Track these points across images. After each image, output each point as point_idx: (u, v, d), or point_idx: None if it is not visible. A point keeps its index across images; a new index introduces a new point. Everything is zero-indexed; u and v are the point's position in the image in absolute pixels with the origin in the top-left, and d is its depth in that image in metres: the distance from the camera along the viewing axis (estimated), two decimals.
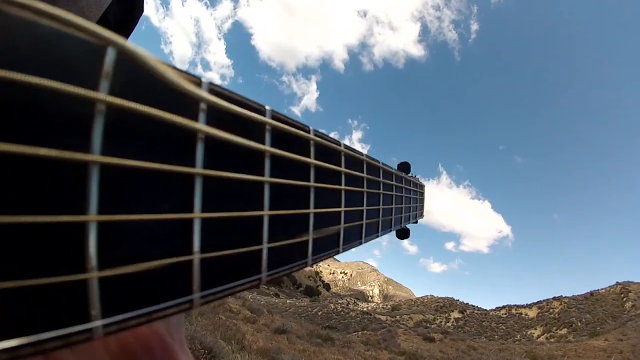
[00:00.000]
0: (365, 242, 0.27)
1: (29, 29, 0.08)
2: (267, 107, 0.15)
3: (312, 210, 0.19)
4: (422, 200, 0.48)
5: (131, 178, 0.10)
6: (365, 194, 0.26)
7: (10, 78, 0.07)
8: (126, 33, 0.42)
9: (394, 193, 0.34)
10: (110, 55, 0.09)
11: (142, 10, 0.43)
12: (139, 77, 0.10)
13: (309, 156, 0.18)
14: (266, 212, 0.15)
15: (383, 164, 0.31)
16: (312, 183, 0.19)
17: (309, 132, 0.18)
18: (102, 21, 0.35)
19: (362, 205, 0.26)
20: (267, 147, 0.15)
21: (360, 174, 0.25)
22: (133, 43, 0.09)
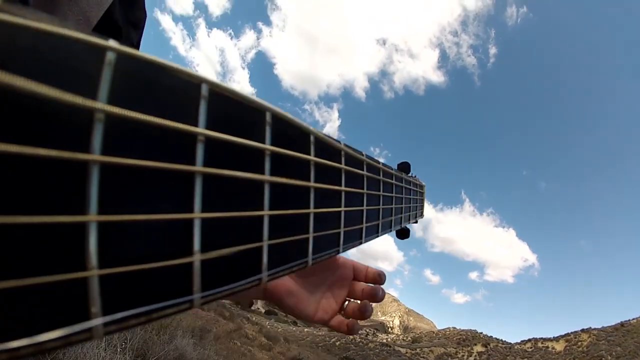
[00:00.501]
0: (365, 242, 0.27)
1: (28, 34, 0.08)
2: (268, 106, 0.15)
3: (312, 210, 0.19)
4: (422, 200, 0.48)
5: (131, 177, 0.10)
6: (365, 194, 0.26)
7: (10, 83, 0.07)
8: (135, 34, 0.43)
9: (394, 193, 0.34)
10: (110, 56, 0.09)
11: (145, 13, 0.44)
12: (139, 75, 0.10)
13: (309, 154, 0.18)
14: (266, 212, 0.15)
15: (383, 164, 0.31)
16: (312, 183, 0.19)
17: (309, 130, 0.18)
18: (109, 22, 0.36)
19: (363, 205, 0.26)
20: (267, 146, 0.15)
21: (361, 173, 0.25)
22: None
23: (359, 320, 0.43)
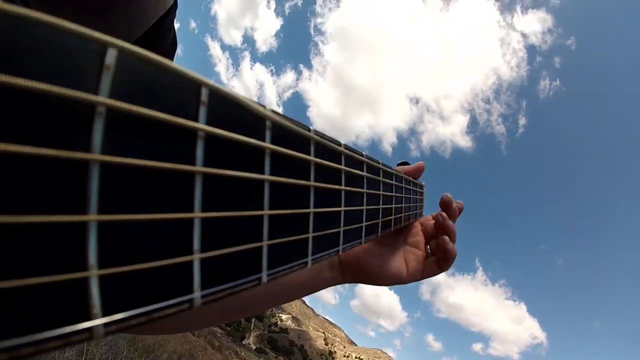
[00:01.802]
0: (365, 241, 0.27)
1: (28, 31, 0.08)
2: (268, 107, 0.15)
3: (312, 210, 0.19)
4: (421, 200, 0.48)
5: (131, 177, 0.10)
6: (365, 194, 0.26)
7: (11, 82, 0.07)
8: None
9: (394, 193, 0.34)
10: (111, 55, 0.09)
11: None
12: (139, 73, 0.10)
13: (309, 154, 0.18)
14: (266, 212, 0.15)
15: (383, 163, 0.31)
16: (312, 182, 0.19)
17: (309, 130, 0.18)
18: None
19: (363, 205, 0.26)
20: (267, 145, 0.15)
21: (361, 173, 0.25)
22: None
23: (447, 250, 0.41)
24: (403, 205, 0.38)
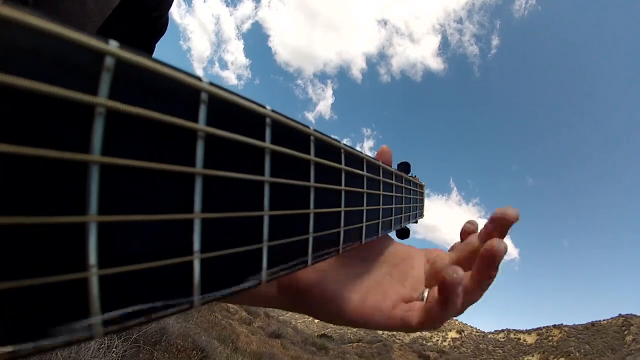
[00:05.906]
0: (365, 242, 0.27)
1: (25, 33, 0.08)
2: (268, 107, 0.15)
3: (312, 210, 0.19)
4: (422, 200, 0.48)
5: (131, 177, 0.10)
6: (365, 194, 0.26)
7: (9, 82, 0.07)
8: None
9: (394, 193, 0.34)
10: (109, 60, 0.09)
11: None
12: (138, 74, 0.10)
13: (309, 154, 0.18)
14: (266, 213, 0.15)
15: (383, 163, 0.31)
16: (312, 183, 0.19)
17: (309, 130, 0.18)
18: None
19: (363, 206, 0.26)
20: (267, 145, 0.15)
21: (361, 173, 0.25)
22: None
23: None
24: (403, 205, 0.38)
